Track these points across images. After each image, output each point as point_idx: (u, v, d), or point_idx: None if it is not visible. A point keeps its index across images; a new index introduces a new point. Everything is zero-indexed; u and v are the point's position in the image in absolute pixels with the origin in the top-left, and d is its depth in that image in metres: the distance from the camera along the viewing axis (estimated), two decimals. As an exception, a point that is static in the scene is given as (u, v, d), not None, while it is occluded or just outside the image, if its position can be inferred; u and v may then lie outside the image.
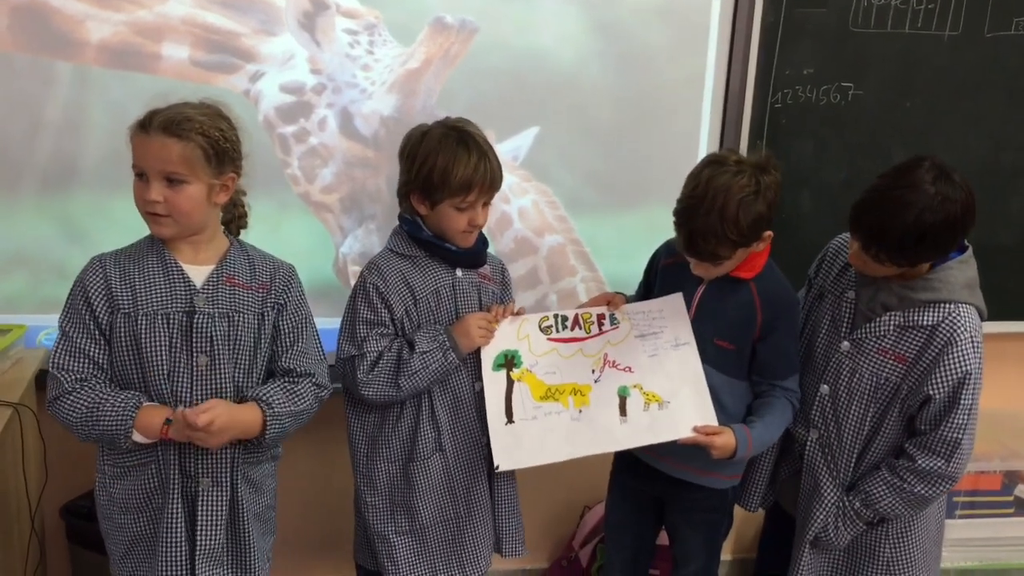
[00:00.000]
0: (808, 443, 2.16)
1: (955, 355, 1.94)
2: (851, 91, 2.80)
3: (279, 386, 1.92)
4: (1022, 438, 3.05)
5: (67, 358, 1.82)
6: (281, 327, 1.96)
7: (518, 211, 2.71)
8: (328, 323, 2.67)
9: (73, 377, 1.81)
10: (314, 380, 1.97)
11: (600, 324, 2.16)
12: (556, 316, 2.15)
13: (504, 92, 2.61)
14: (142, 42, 2.41)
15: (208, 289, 1.86)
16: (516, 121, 2.52)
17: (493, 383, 2.08)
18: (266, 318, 1.93)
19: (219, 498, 1.89)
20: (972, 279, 2.01)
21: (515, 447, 2.05)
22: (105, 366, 1.83)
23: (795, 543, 2.21)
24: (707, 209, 1.92)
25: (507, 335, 2.11)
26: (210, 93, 2.41)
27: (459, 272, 2.12)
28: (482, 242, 2.16)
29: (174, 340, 1.82)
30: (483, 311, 2.13)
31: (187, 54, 2.44)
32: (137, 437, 1.80)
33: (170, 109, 1.79)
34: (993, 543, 2.94)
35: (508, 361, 2.10)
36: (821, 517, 2.12)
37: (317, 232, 2.64)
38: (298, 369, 1.95)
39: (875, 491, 2.05)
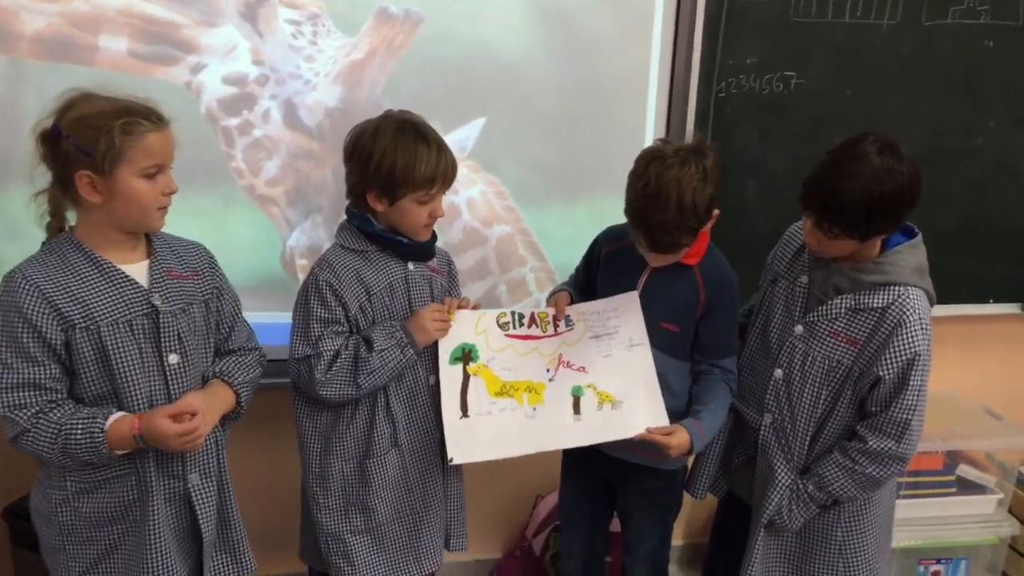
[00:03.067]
0: (762, 427, 2.18)
1: (904, 337, 1.98)
2: (793, 80, 2.83)
3: (231, 361, 1.99)
4: (963, 419, 3.11)
5: (15, 394, 1.73)
6: (223, 311, 1.99)
7: (466, 202, 2.71)
8: (275, 318, 2.65)
9: (28, 413, 1.73)
10: (259, 352, 2.08)
11: (556, 325, 2.18)
12: (513, 313, 2.16)
13: (450, 82, 2.60)
14: (78, 34, 2.36)
15: (157, 287, 1.83)
16: (462, 112, 2.51)
17: (449, 376, 2.08)
18: (210, 305, 1.95)
19: (210, 488, 1.92)
20: (921, 264, 2.06)
21: (469, 441, 2.05)
22: (59, 388, 1.76)
23: (751, 529, 2.23)
24: (663, 205, 1.94)
25: (465, 329, 2.11)
26: (150, 85, 2.40)
27: (411, 266, 2.11)
28: (432, 236, 2.15)
29: (142, 345, 1.80)
30: (436, 304, 2.12)
31: (125, 45, 2.39)
32: (119, 453, 1.77)
33: (141, 102, 1.75)
34: (936, 522, 3.00)
35: (465, 355, 2.10)
36: (775, 500, 2.14)
37: (263, 225, 2.61)
38: (245, 347, 2.04)
39: (828, 474, 2.07)
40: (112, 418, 1.75)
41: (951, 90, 2.98)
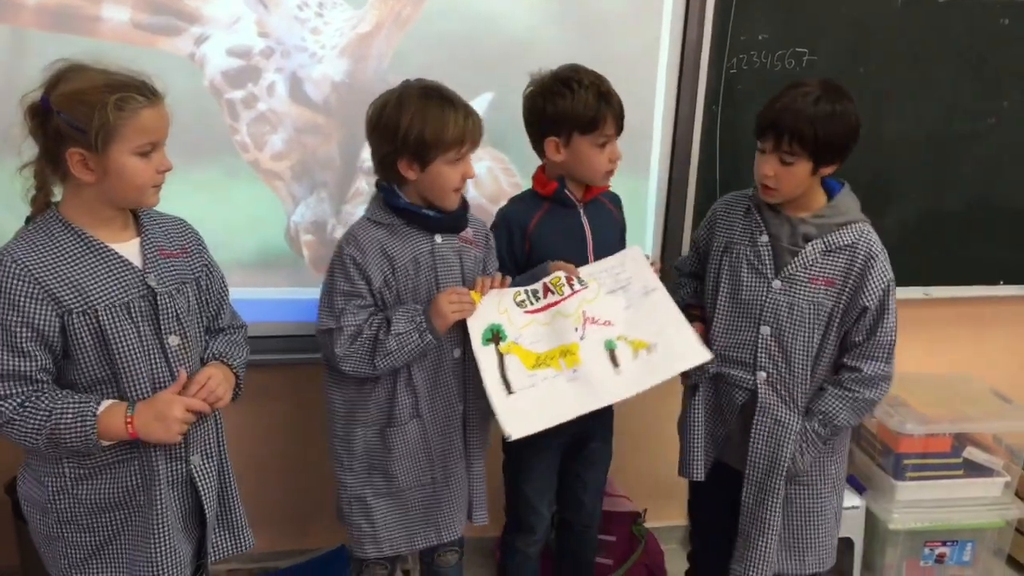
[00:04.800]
0: (758, 385, 2.23)
1: (878, 267, 2.14)
2: (805, 57, 2.80)
3: (224, 341, 1.97)
4: (971, 402, 3.09)
5: (7, 385, 1.66)
6: (212, 289, 1.95)
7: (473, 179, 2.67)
8: (279, 293, 2.64)
9: (14, 404, 1.67)
10: (245, 329, 2.05)
11: (571, 285, 2.17)
12: (526, 291, 2.15)
13: (457, 56, 2.57)
14: (81, 4, 2.33)
15: (151, 266, 1.78)
16: (470, 86, 2.47)
17: (485, 357, 2.08)
18: (201, 283, 1.91)
19: (211, 469, 1.90)
20: (859, 206, 2.23)
21: (521, 416, 2.04)
22: (47, 378, 1.70)
23: (746, 491, 2.28)
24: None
25: (490, 308, 2.10)
26: (153, 57, 2.38)
27: (438, 238, 2.11)
28: (463, 206, 2.14)
29: (141, 328, 1.74)
30: (464, 279, 2.13)
31: (128, 16, 2.36)
32: (104, 443, 1.72)
33: (130, 74, 1.68)
34: (943, 504, 2.98)
35: (495, 335, 2.09)
36: (790, 448, 2.21)
37: (267, 200, 2.58)
38: (233, 324, 2.02)
39: (830, 408, 2.19)
40: (104, 404, 1.71)
41: (965, 69, 2.95)
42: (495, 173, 2.70)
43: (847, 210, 2.18)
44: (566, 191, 2.27)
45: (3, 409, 1.67)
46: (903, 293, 2.98)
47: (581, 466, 2.48)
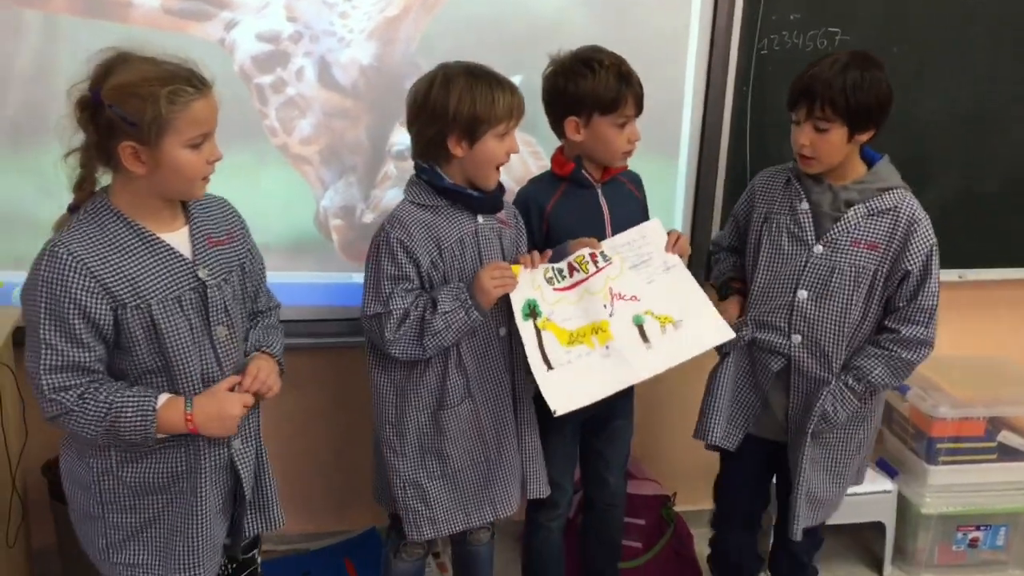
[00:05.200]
0: (792, 348, 2.25)
1: (921, 231, 2.15)
2: (838, 36, 2.76)
3: (261, 329, 1.98)
4: (1007, 385, 3.06)
5: (59, 376, 1.66)
6: (253, 271, 1.96)
7: (501, 161, 2.67)
8: (309, 278, 2.66)
9: (74, 395, 1.67)
10: (279, 308, 2.08)
11: (595, 262, 2.17)
12: (553, 269, 2.16)
13: (485, 39, 2.55)
14: (112, -11, 2.34)
15: (201, 257, 1.79)
16: (498, 69, 2.45)
17: (525, 332, 2.09)
18: (244, 268, 1.92)
19: (249, 452, 1.92)
20: (899, 176, 2.23)
21: (564, 391, 2.06)
22: (102, 368, 1.71)
23: (792, 456, 2.31)
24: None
25: (526, 284, 2.12)
26: (183, 42, 2.36)
27: (480, 219, 2.13)
28: (499, 187, 2.16)
29: (192, 320, 1.76)
30: (504, 259, 2.14)
31: (159, 2, 2.37)
32: (160, 436, 1.74)
33: (177, 63, 1.67)
34: (976, 489, 2.96)
35: (532, 310, 2.11)
36: (820, 403, 2.22)
37: (297, 184, 2.59)
38: (269, 306, 2.05)
39: (865, 365, 2.21)
40: (161, 399, 1.72)
41: (1001, 47, 2.91)
42: (523, 156, 2.69)
43: (888, 176, 2.19)
44: (583, 171, 2.27)
45: (64, 400, 1.67)
46: (937, 275, 2.96)
47: (602, 444, 2.49)
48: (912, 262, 2.14)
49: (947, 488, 2.95)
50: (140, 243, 1.71)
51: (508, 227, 2.20)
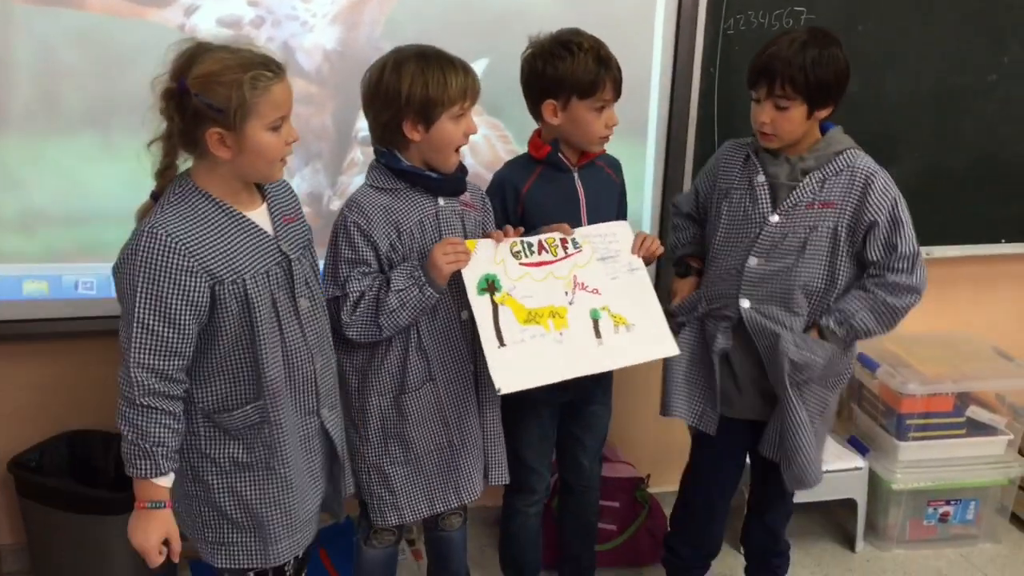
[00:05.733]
0: (743, 311, 2.25)
1: (880, 184, 2.16)
2: (803, 15, 2.76)
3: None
4: (973, 360, 3.09)
5: (160, 359, 1.68)
6: (314, 250, 2.01)
7: (470, 146, 2.62)
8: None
9: (176, 390, 1.72)
10: None
11: (564, 247, 2.18)
12: (522, 242, 2.15)
13: (451, 23, 2.53)
14: (67, -25, 2.29)
15: (281, 233, 1.85)
16: (464, 53, 2.43)
17: (480, 307, 2.07)
18: (311, 248, 1.97)
19: (337, 419, 2.01)
20: (853, 141, 2.24)
21: (512, 369, 2.05)
22: (184, 379, 1.75)
23: (782, 414, 2.26)
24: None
25: (486, 259, 2.10)
26: (142, 29, 2.35)
27: (442, 201, 2.11)
28: (461, 169, 2.14)
29: (277, 294, 1.81)
30: (449, 237, 2.10)
31: (116, -13, 2.33)
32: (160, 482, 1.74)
33: (258, 51, 1.72)
34: (946, 464, 2.99)
35: (490, 285, 2.09)
36: (791, 345, 2.19)
37: (262, 172, 2.55)
38: None
39: (848, 307, 2.20)
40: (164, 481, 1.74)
41: (964, 25, 2.92)
42: (491, 140, 2.67)
43: (843, 141, 2.21)
44: (560, 154, 2.26)
45: (155, 404, 1.69)
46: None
47: (579, 429, 2.49)
48: (877, 213, 2.15)
49: (917, 464, 2.98)
50: (229, 221, 1.76)
51: (473, 210, 2.19)
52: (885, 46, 2.87)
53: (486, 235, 2.14)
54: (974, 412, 3.01)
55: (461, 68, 2.02)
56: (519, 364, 2.05)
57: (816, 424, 2.29)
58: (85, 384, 2.61)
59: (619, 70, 2.20)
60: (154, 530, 1.73)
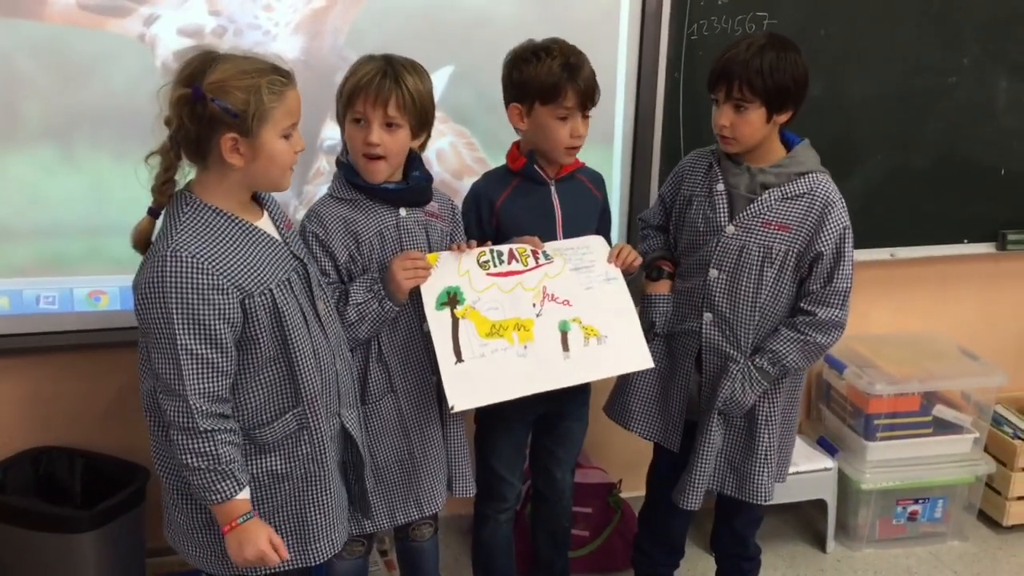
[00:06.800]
0: (703, 327, 2.28)
1: (835, 214, 2.18)
2: (766, 20, 2.78)
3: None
4: (939, 360, 3.12)
5: (212, 382, 1.69)
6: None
7: (436, 153, 2.64)
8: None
9: (228, 409, 1.73)
10: None
11: (536, 257, 2.16)
12: (492, 251, 2.13)
13: (416, 30, 2.52)
14: (24, -14, 2.26)
15: (289, 239, 1.87)
16: (429, 60, 2.43)
17: (438, 322, 2.05)
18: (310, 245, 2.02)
19: (357, 417, 2.01)
20: (819, 160, 2.27)
21: (467, 386, 2.03)
22: (230, 398, 1.75)
23: (700, 424, 2.32)
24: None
25: (448, 272, 2.07)
26: (102, 39, 2.32)
27: (403, 212, 2.09)
28: (426, 178, 2.12)
29: (299, 299, 1.82)
30: (409, 251, 2.08)
31: (75, -2, 2.30)
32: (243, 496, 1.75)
33: (261, 58, 1.73)
34: (913, 463, 3.01)
35: (451, 299, 2.06)
36: (729, 384, 2.24)
37: (227, 183, 2.53)
38: None
39: (780, 348, 2.22)
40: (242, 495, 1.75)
41: (925, 28, 2.96)
42: (458, 148, 2.67)
43: (806, 160, 2.22)
44: (535, 167, 2.24)
45: (216, 435, 1.69)
46: (869, 255, 3.01)
47: (553, 442, 2.48)
48: (824, 244, 2.17)
49: (885, 463, 3.00)
50: (245, 234, 1.75)
51: (439, 220, 2.16)
52: (847, 49, 2.89)
53: (449, 247, 2.12)
54: (940, 411, 3.04)
55: (374, 64, 1.99)
56: (477, 379, 2.02)
57: (766, 436, 2.31)
58: (49, 400, 2.58)
59: (588, 82, 2.17)
60: (257, 538, 1.74)
